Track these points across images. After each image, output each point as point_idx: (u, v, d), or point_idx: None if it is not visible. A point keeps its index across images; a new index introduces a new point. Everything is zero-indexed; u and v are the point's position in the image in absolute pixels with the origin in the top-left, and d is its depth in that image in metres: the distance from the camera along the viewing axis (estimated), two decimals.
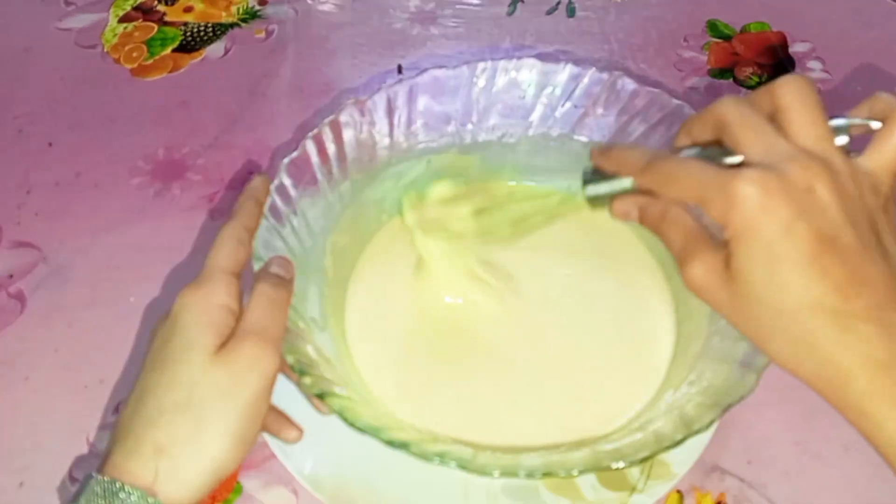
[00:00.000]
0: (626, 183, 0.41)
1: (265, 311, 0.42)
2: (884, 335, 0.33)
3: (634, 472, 0.50)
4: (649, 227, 0.41)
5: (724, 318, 0.37)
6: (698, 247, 0.37)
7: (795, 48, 0.78)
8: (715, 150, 0.38)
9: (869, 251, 0.34)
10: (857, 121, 0.38)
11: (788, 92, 0.36)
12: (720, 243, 0.36)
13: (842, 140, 0.37)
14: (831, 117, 0.37)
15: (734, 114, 0.37)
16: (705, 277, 0.36)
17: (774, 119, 0.36)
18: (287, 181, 0.50)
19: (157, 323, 0.43)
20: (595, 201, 0.43)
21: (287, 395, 0.49)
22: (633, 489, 0.49)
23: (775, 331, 0.35)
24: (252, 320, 0.41)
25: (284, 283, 0.44)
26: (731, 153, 0.37)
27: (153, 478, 0.37)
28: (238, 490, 0.52)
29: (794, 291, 0.34)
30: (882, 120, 0.37)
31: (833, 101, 0.72)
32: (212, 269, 0.43)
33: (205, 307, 0.41)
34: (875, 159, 0.36)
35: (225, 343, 0.40)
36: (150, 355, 0.41)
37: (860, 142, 0.37)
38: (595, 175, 0.43)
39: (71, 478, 0.53)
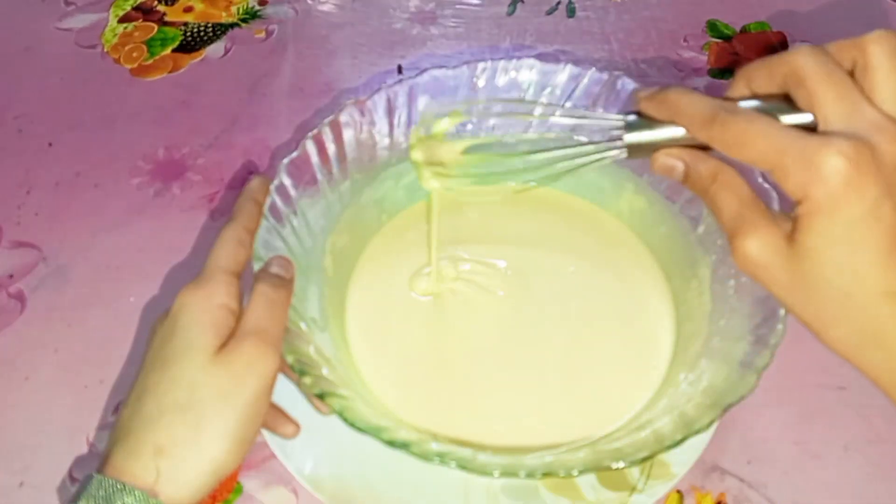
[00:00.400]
0: (678, 132, 0.36)
1: (265, 312, 0.42)
2: None
3: (634, 472, 0.50)
4: (695, 188, 0.37)
5: (778, 298, 0.34)
6: (755, 218, 0.34)
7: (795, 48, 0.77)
8: (779, 104, 0.34)
9: None
10: None
11: (882, 50, 0.33)
12: (780, 217, 0.34)
13: None
14: None
15: (814, 67, 0.33)
16: (763, 253, 0.33)
17: (855, 78, 0.33)
18: (287, 181, 0.50)
19: (156, 322, 0.43)
20: (635, 151, 0.38)
21: (287, 395, 0.49)
22: (633, 489, 0.49)
23: (839, 318, 0.33)
24: (251, 321, 0.41)
25: (284, 283, 0.44)
26: (797, 111, 0.33)
27: (154, 479, 0.37)
28: (238, 490, 0.52)
29: (869, 276, 0.32)
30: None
31: None
32: (212, 270, 0.43)
33: (205, 307, 0.41)
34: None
35: (225, 343, 0.40)
36: (150, 355, 0.41)
37: None
38: (639, 121, 0.38)
39: (71, 478, 0.53)
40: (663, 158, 0.37)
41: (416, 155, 0.48)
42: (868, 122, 0.31)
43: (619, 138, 0.38)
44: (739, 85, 0.36)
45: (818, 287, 0.33)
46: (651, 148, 0.37)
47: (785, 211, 0.35)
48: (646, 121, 0.37)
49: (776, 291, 0.34)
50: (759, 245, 0.33)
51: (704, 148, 0.36)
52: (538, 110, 0.44)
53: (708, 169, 0.36)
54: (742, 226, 0.34)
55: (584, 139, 0.41)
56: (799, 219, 0.32)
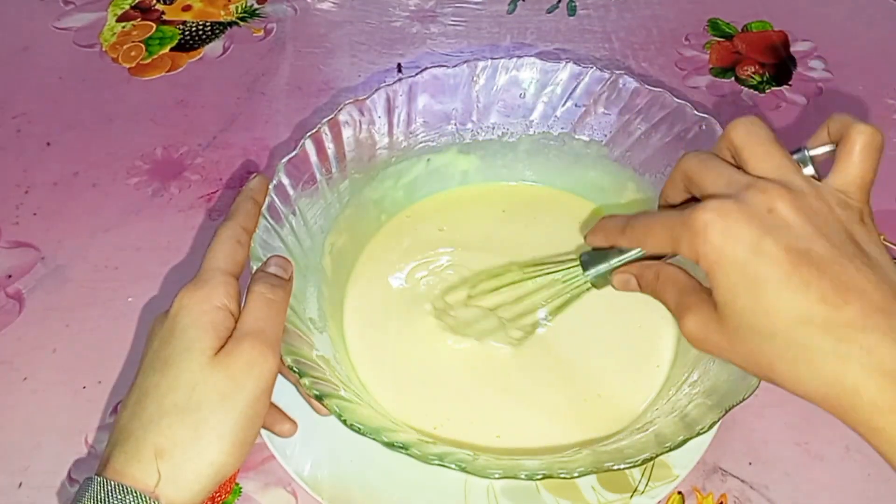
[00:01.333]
0: (620, 257, 0.43)
1: (262, 313, 0.42)
2: (886, 340, 0.32)
3: (636, 473, 0.50)
4: (648, 292, 0.42)
5: (732, 363, 0.37)
6: (691, 299, 0.37)
7: (797, 47, 0.77)
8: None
9: (850, 260, 0.33)
10: (818, 150, 0.38)
11: (739, 132, 0.37)
12: (709, 292, 0.36)
13: (808, 171, 0.38)
14: (792, 151, 0.38)
15: (694, 163, 0.38)
16: (699, 326, 0.37)
17: (736, 161, 0.37)
18: (286, 181, 0.50)
19: (154, 323, 0.43)
20: (598, 281, 0.45)
21: (285, 396, 0.49)
22: (634, 491, 0.49)
23: (773, 356, 0.34)
24: (249, 322, 0.41)
25: (282, 283, 0.44)
26: None
27: (154, 481, 0.37)
28: (237, 492, 0.52)
29: (780, 309, 0.33)
30: (838, 141, 0.37)
31: (834, 100, 0.72)
32: (210, 271, 0.43)
33: (204, 309, 0.41)
34: (840, 177, 0.36)
35: (224, 345, 0.40)
36: (149, 356, 0.41)
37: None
38: (592, 256, 0.45)
39: (70, 479, 0.53)
40: (618, 278, 0.43)
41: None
42: (740, 185, 0.35)
43: (580, 275, 0.46)
44: (661, 205, 0.42)
45: (746, 336, 0.35)
46: (608, 273, 0.44)
47: None
48: (596, 253, 0.45)
49: (722, 356, 0.37)
50: (694, 321, 0.37)
51: (657, 258, 0.41)
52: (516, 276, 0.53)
53: (651, 272, 0.41)
54: (682, 309, 0.38)
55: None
56: (707, 279, 0.35)
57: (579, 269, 0.46)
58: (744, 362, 0.36)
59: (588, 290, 0.47)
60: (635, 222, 0.40)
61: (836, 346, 0.33)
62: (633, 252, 0.42)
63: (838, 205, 0.35)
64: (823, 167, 0.38)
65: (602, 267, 0.44)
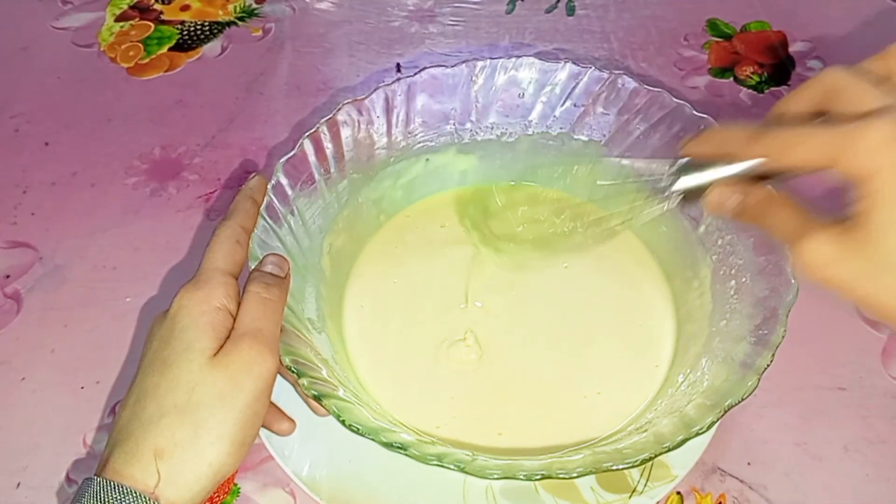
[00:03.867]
0: (726, 171, 0.38)
1: (259, 313, 0.42)
2: None
3: (634, 473, 0.49)
4: (750, 217, 0.38)
5: (853, 294, 0.33)
6: (815, 223, 0.34)
7: (796, 47, 0.77)
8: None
9: None
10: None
11: None
12: (839, 219, 0.33)
13: (681, 183, 0.37)
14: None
15: (844, 75, 0.34)
16: (832, 246, 0.33)
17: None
18: (284, 181, 0.49)
19: (153, 323, 0.43)
20: (687, 197, 0.40)
21: (284, 395, 0.49)
22: (633, 491, 0.49)
23: None
24: (246, 322, 0.41)
25: (279, 281, 0.44)
26: None
27: (154, 482, 0.37)
28: (235, 492, 0.52)
29: None
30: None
31: None
32: (209, 271, 0.43)
33: (203, 309, 0.41)
34: None
35: (223, 345, 0.40)
36: (148, 357, 0.41)
37: None
38: (688, 165, 0.39)
39: (68, 479, 0.52)
40: (718, 194, 0.38)
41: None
42: None
43: (670, 186, 0.39)
44: (775, 116, 0.37)
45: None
46: (700, 192, 0.39)
47: None
48: (693, 165, 0.39)
49: (855, 287, 0.33)
50: (827, 239, 0.33)
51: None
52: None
53: (762, 193, 0.37)
54: (804, 232, 0.34)
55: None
56: (867, 198, 0.32)
57: (669, 176, 0.40)
58: (879, 292, 0.33)
59: (671, 206, 0.41)
60: (778, 130, 0.35)
61: None
62: (747, 163, 0.37)
63: None
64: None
65: (699, 177, 0.39)
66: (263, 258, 0.45)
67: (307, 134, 0.51)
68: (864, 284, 0.33)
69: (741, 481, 0.52)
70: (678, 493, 0.51)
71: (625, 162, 0.43)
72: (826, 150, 0.32)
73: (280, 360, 0.42)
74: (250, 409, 0.39)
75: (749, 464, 0.52)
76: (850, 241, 0.32)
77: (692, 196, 0.39)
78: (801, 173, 0.35)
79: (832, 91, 0.34)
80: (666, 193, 0.40)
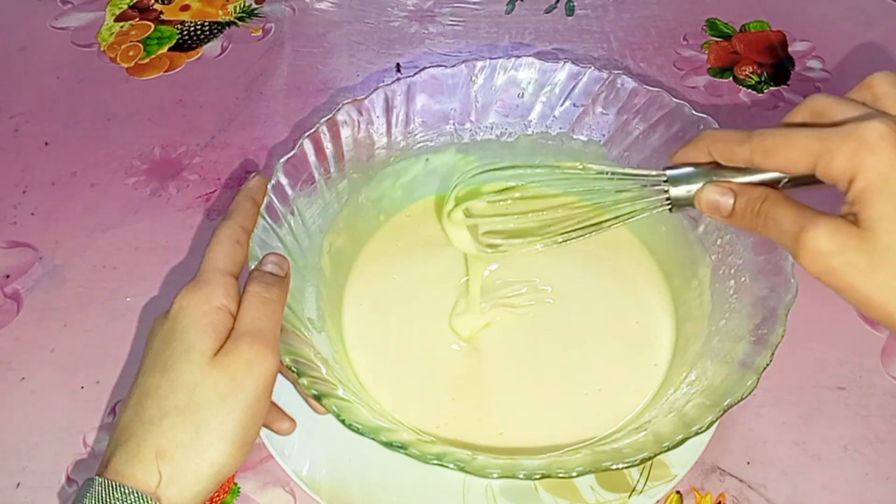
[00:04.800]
0: (720, 172, 0.39)
1: (259, 312, 0.42)
2: None
3: (634, 473, 0.50)
4: (745, 214, 0.37)
5: (857, 291, 0.33)
6: (818, 215, 0.34)
7: (795, 47, 0.77)
8: None
9: None
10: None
11: (882, 81, 0.35)
12: (838, 214, 0.33)
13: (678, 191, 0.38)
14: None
15: (827, 99, 0.35)
16: (833, 239, 0.33)
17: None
18: (284, 180, 0.49)
19: (154, 324, 0.43)
20: (678, 204, 0.40)
21: (284, 395, 0.49)
22: (632, 491, 0.49)
23: None
24: (246, 322, 0.41)
25: (279, 281, 0.44)
26: None
27: (156, 482, 0.37)
28: (235, 492, 0.52)
29: None
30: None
31: None
32: (210, 271, 0.43)
33: (204, 310, 0.41)
34: None
35: (223, 345, 0.40)
36: (149, 357, 0.41)
37: None
38: (679, 174, 0.40)
39: (68, 479, 0.52)
40: (711, 190, 0.38)
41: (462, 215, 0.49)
42: (887, 116, 0.33)
43: (663, 192, 0.40)
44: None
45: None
46: (691, 200, 0.39)
47: None
48: (684, 173, 0.40)
49: (855, 281, 0.33)
50: (827, 232, 0.33)
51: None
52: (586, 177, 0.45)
53: (757, 192, 0.37)
54: (805, 225, 0.34)
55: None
56: (858, 197, 0.32)
57: (661, 183, 0.40)
58: (879, 289, 0.33)
59: (660, 209, 0.41)
60: (767, 131, 0.35)
61: None
62: (739, 171, 0.37)
63: None
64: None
65: (689, 188, 0.39)
66: (263, 258, 0.45)
67: (307, 134, 0.51)
68: (860, 282, 0.33)
69: (740, 481, 0.52)
70: (678, 492, 0.51)
71: (618, 170, 0.44)
72: (810, 152, 0.33)
73: (281, 360, 0.42)
74: (251, 409, 0.39)
75: (748, 463, 0.52)
76: (848, 235, 0.33)
77: (685, 203, 0.40)
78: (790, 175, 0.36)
79: (817, 113, 0.35)
80: (658, 200, 0.41)
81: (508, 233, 0.49)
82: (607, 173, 0.43)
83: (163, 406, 0.39)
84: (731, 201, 0.38)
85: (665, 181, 0.40)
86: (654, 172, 0.41)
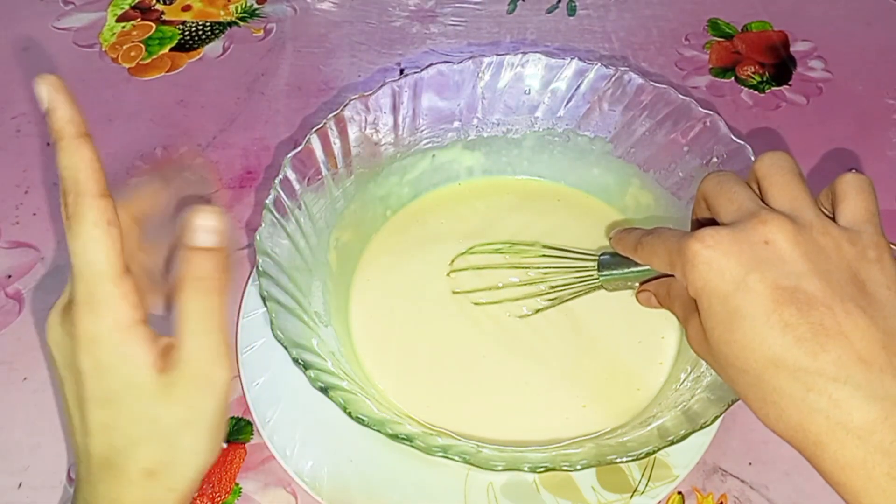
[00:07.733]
0: (633, 268, 0.46)
1: (198, 325, 0.37)
2: (857, 395, 0.31)
3: (636, 473, 0.49)
4: (664, 306, 0.44)
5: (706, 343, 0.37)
6: (693, 312, 0.37)
7: (797, 47, 0.77)
8: None
9: (842, 301, 0.32)
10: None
11: (764, 163, 0.38)
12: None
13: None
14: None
15: (711, 186, 0.38)
16: (695, 338, 0.38)
17: (760, 193, 0.38)
18: (291, 175, 0.49)
19: (52, 343, 0.39)
20: (609, 284, 0.48)
21: (286, 394, 0.49)
22: (634, 491, 0.49)
23: (745, 389, 0.34)
24: (188, 342, 0.37)
25: (214, 273, 0.37)
26: None
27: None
28: (237, 492, 0.51)
29: (755, 347, 0.33)
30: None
31: (834, 100, 0.72)
32: (97, 286, 0.37)
33: (119, 340, 0.36)
34: (845, 214, 0.36)
35: (165, 350, 0.37)
36: (87, 392, 0.37)
37: None
38: (611, 259, 0.47)
39: (69, 479, 0.52)
40: (640, 296, 0.46)
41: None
42: (746, 213, 0.35)
43: (594, 273, 0.49)
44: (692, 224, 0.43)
45: (722, 363, 0.35)
46: (621, 279, 0.47)
47: None
48: (615, 257, 0.47)
49: (712, 369, 0.38)
50: (692, 331, 0.38)
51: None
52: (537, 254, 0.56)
53: (664, 287, 0.43)
54: (685, 319, 0.40)
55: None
56: (699, 304, 0.36)
57: (595, 267, 0.48)
58: (725, 381, 0.37)
59: (599, 288, 0.49)
60: (646, 240, 0.41)
61: (804, 395, 0.32)
62: (644, 266, 0.44)
63: (847, 241, 0.34)
64: None
65: (615, 273, 0.47)
66: (193, 221, 0.38)
67: (314, 129, 0.51)
68: (716, 371, 0.37)
69: (742, 481, 0.52)
70: (679, 492, 0.51)
71: (562, 253, 0.54)
72: (667, 260, 0.37)
73: (232, 363, 0.38)
74: (216, 421, 0.38)
75: (750, 464, 0.52)
76: (704, 336, 0.36)
77: (614, 285, 0.48)
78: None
79: (705, 201, 0.39)
80: (591, 280, 0.50)
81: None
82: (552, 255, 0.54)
83: (131, 436, 0.37)
84: (655, 299, 0.45)
85: (598, 267, 0.48)
86: (590, 259, 0.50)
